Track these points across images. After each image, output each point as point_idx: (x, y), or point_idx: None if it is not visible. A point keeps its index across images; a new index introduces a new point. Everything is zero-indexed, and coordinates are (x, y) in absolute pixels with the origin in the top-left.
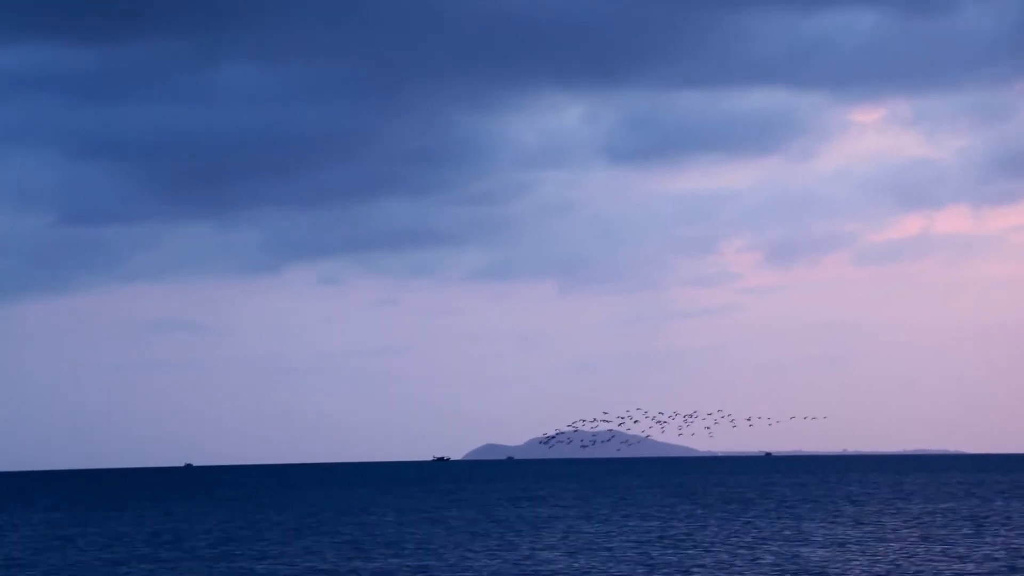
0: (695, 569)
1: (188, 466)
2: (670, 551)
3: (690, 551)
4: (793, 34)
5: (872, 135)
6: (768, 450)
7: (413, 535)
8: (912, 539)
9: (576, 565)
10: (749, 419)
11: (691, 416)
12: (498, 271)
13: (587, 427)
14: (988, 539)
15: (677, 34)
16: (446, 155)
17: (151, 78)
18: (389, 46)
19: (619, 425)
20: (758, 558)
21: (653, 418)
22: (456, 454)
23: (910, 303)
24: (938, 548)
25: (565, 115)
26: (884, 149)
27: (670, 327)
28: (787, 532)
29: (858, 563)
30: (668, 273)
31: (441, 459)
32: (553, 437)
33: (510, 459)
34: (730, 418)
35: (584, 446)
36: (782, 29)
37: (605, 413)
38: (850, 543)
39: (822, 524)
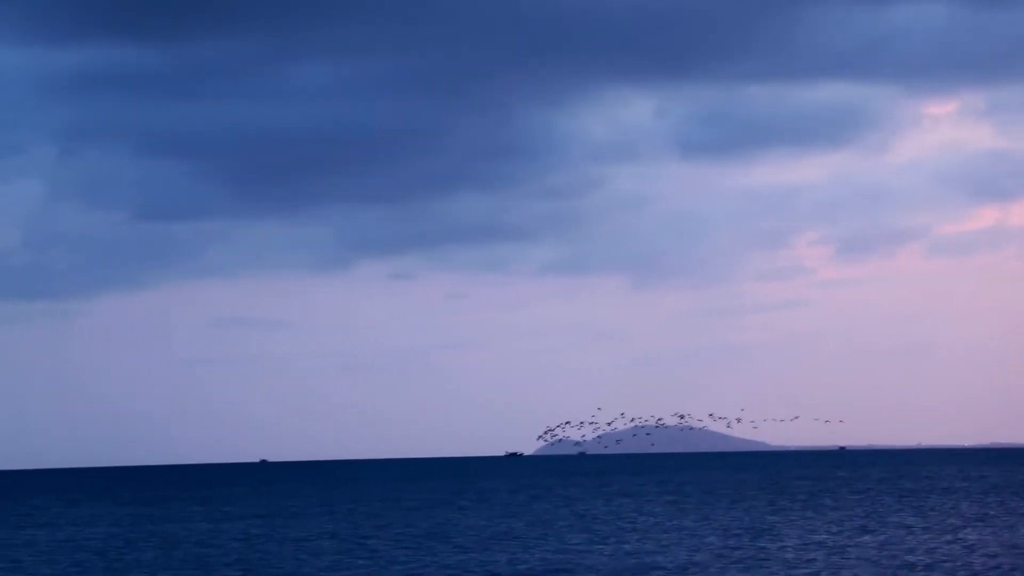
0: (765, 564)
1: (263, 462)
2: (747, 543)
3: (765, 544)
4: (866, 27)
5: (945, 127)
6: (842, 444)
7: (501, 528)
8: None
9: (672, 559)
10: (740, 420)
11: (677, 416)
12: (570, 266)
13: (572, 428)
14: None
15: (749, 27)
16: (518, 150)
17: (224, 75)
18: (462, 41)
19: (608, 426)
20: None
21: (633, 420)
22: (527, 449)
23: (984, 295)
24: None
25: (637, 109)
26: (957, 141)
27: (743, 321)
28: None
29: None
30: (740, 267)
31: (514, 454)
32: (545, 435)
33: (582, 454)
34: (720, 418)
35: (577, 443)
36: (855, 22)
37: (593, 416)
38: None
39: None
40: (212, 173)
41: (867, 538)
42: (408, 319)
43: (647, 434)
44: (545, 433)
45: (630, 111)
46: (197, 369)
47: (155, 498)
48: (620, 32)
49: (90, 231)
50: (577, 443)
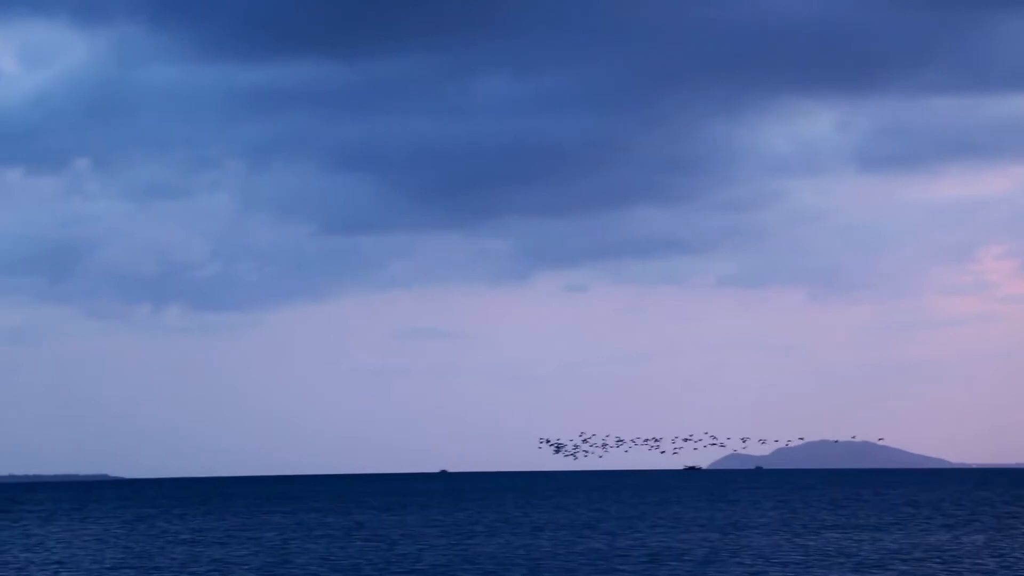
0: None
1: (444, 472)
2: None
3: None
4: None
5: None
6: None
7: (704, 549)
8: None
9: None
10: (744, 439)
11: (692, 438)
12: (747, 279)
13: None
14: None
15: (933, 39)
16: (697, 163)
17: (408, 90)
18: (641, 55)
19: (591, 444)
20: None
21: (628, 441)
22: (703, 463)
23: None
24: None
25: (817, 122)
26: None
27: (924, 336)
28: None
29: None
30: (922, 282)
31: (692, 468)
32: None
33: (759, 469)
34: (716, 440)
35: (719, 447)
36: None
37: (582, 433)
38: None
39: None
40: (395, 186)
41: None
42: (584, 331)
43: (824, 448)
44: (547, 443)
45: (811, 124)
46: (378, 379)
47: (350, 507)
48: (802, 44)
49: (278, 244)
50: (716, 446)
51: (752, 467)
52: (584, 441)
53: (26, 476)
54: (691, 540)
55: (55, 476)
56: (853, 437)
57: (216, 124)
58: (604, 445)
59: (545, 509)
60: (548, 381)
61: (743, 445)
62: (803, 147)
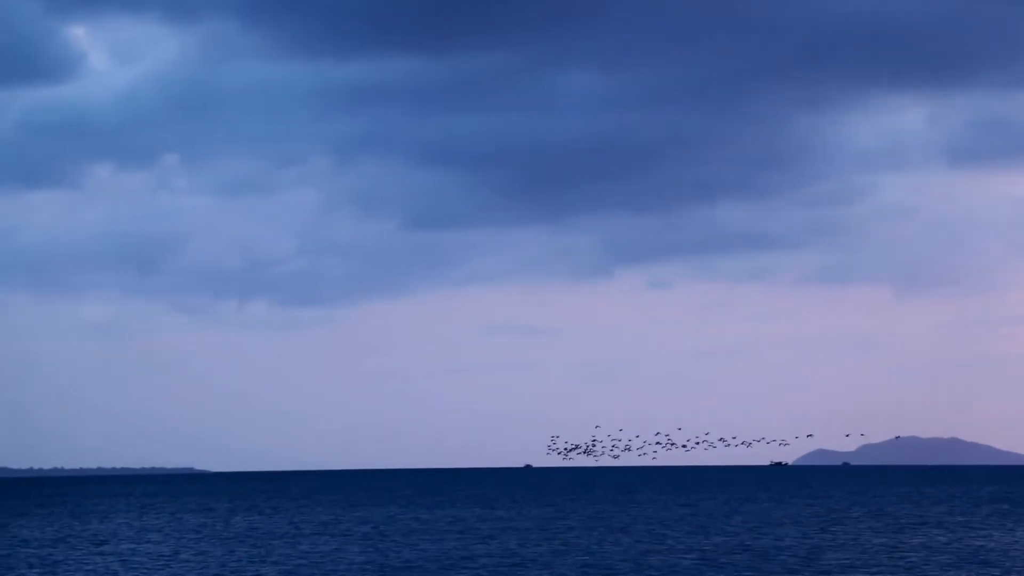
0: None
1: (528, 467)
2: None
3: None
4: None
5: None
6: None
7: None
8: None
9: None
10: (749, 441)
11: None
12: (833, 275)
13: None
14: None
15: None
16: (784, 158)
17: (493, 87)
18: (728, 50)
19: (600, 443)
20: None
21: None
22: (788, 459)
23: None
24: None
25: (907, 116)
26: None
27: (1012, 332)
28: None
29: None
30: (1011, 277)
31: (778, 464)
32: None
33: (846, 465)
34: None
35: (792, 441)
36: None
37: (597, 427)
38: None
39: None
40: (479, 182)
41: None
42: (668, 328)
43: (911, 444)
44: (555, 442)
45: (900, 118)
46: (461, 374)
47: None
48: (891, 37)
49: (361, 239)
50: (790, 440)
51: (839, 463)
52: (594, 443)
53: (114, 469)
54: (788, 536)
55: (142, 469)
56: (958, 438)
57: (302, 120)
58: (613, 447)
59: (633, 504)
60: (631, 377)
61: (810, 439)
62: (892, 142)
